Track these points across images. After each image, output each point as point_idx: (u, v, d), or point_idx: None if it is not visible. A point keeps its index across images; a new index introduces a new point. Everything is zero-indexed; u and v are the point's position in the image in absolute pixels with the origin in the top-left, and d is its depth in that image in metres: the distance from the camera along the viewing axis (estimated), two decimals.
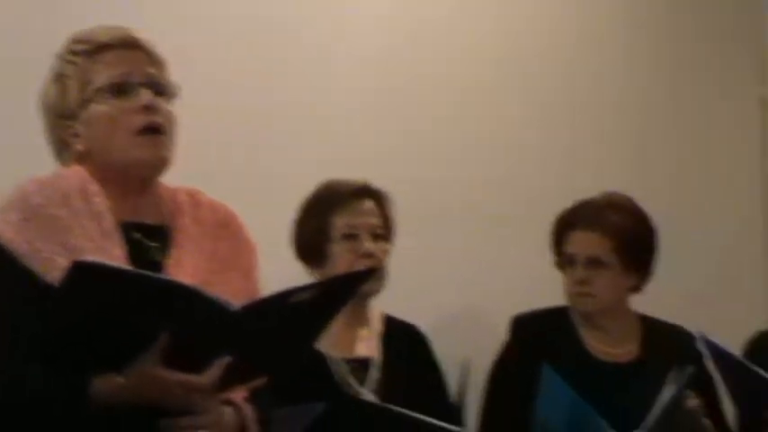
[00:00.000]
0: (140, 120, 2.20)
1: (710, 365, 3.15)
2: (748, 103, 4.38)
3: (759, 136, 4.36)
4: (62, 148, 2.26)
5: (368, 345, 3.08)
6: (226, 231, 2.38)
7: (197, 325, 2.02)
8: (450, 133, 3.84)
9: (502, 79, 3.94)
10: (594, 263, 3.14)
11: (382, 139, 3.71)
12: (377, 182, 3.16)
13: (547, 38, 4.05)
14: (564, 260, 3.23)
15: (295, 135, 3.58)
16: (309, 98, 3.61)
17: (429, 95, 3.80)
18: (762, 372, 2.91)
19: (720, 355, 3.01)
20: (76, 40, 2.27)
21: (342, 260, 3.02)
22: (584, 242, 3.18)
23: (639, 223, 3.23)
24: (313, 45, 3.62)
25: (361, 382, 3.00)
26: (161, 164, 2.26)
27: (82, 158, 2.22)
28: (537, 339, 3.19)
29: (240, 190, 2.86)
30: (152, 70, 2.26)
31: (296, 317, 2.15)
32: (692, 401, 3.06)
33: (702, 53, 4.30)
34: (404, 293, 3.35)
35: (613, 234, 3.16)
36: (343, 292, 2.29)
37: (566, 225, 3.25)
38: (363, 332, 3.10)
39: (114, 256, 2.16)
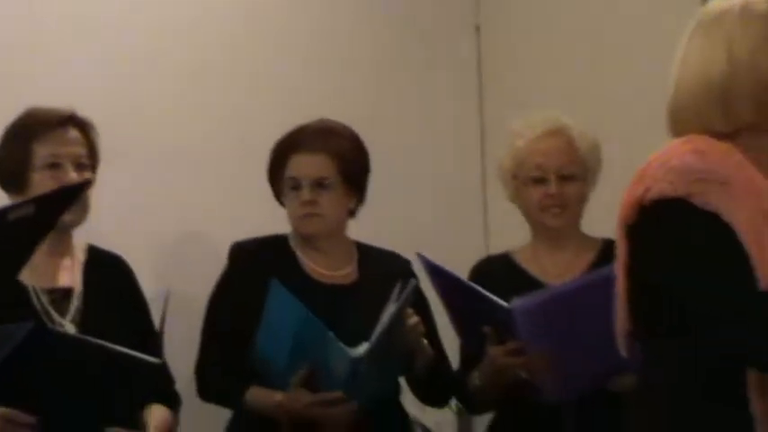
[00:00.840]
0: None
1: (424, 288, 3.27)
2: (464, 31, 4.47)
3: (475, 62, 4.48)
4: None
5: (70, 274, 3.06)
6: None
7: None
8: (164, 65, 3.83)
9: (216, 7, 3.94)
10: (320, 184, 3.20)
11: (93, 68, 3.67)
12: (86, 112, 3.11)
13: None
14: (288, 185, 3.28)
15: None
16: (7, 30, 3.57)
17: (131, 26, 3.78)
18: (479, 288, 3.07)
19: (439, 274, 3.14)
20: None
21: (43, 189, 2.95)
22: (309, 164, 3.23)
23: (357, 146, 3.32)
24: None
25: (63, 312, 2.99)
26: None
27: None
28: (256, 264, 3.23)
29: None
30: None
31: (9, 237, 2.12)
32: (413, 319, 3.16)
33: None
34: (119, 222, 3.39)
35: (336, 156, 3.24)
36: (55, 209, 2.28)
37: (287, 150, 3.29)
38: (66, 262, 3.08)
39: None
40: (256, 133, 3.59)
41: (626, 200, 2.33)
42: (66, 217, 2.81)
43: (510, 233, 3.46)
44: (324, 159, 3.24)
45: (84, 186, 2.84)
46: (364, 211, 3.38)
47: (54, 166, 2.98)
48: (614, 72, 3.97)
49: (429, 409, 3.59)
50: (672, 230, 2.28)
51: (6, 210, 2.11)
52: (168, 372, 3.16)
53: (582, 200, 3.28)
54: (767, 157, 2.34)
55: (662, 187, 2.26)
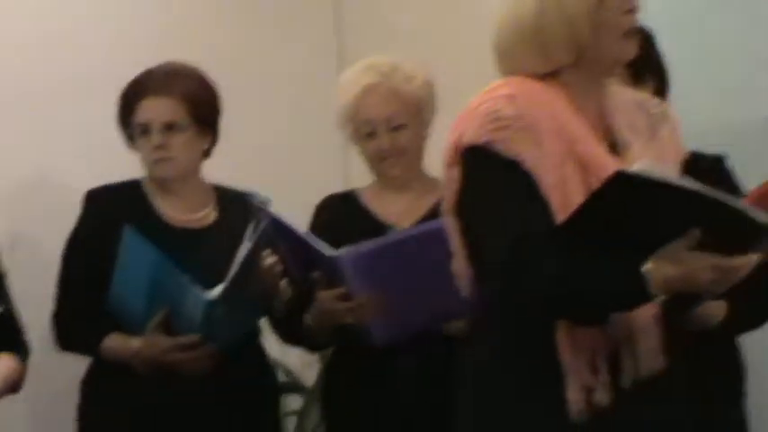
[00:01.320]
0: None
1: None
2: None
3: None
4: None
5: None
6: None
7: None
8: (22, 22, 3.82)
9: None
10: (170, 127, 3.24)
11: None
12: None
13: None
14: (137, 130, 3.29)
15: None
16: None
17: None
18: (305, 237, 3.11)
19: (271, 220, 3.18)
20: None
21: None
22: (158, 108, 3.25)
23: (206, 86, 3.37)
24: None
25: None
26: None
27: None
28: (110, 211, 3.26)
29: None
30: None
31: None
32: (269, 259, 3.20)
33: None
34: None
35: (185, 98, 3.27)
36: None
37: (135, 95, 3.30)
38: None
39: None
40: (112, 78, 3.57)
41: (448, 143, 2.35)
42: None
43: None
44: (172, 102, 3.27)
45: None
46: (221, 150, 3.39)
47: None
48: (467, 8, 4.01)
49: (292, 351, 3.66)
50: (475, 177, 2.30)
51: None
52: (16, 320, 3.17)
53: (418, 143, 3.31)
54: (593, 96, 2.38)
55: (470, 133, 2.28)
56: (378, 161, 3.28)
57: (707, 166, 2.97)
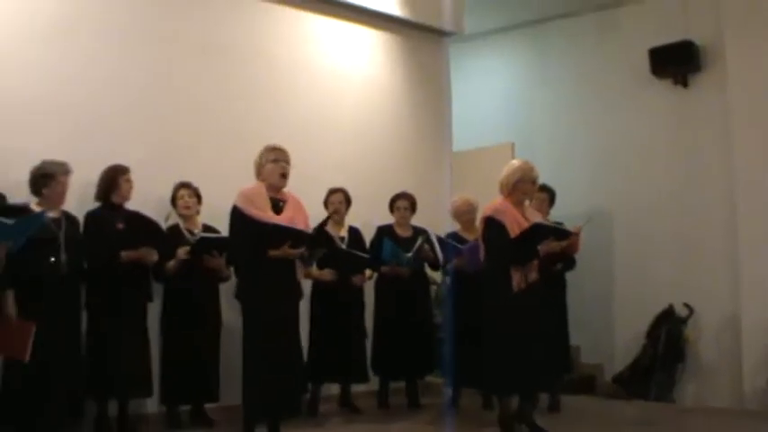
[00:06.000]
0: None
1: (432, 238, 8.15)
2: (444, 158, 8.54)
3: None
4: None
5: None
6: None
7: None
8: None
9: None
10: None
11: None
12: None
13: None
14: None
15: None
16: None
17: None
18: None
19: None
20: None
21: None
22: None
23: None
24: None
25: None
26: None
27: None
28: None
29: None
30: None
31: None
32: (426, 246, 7.95)
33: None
34: None
35: None
36: None
37: None
38: None
39: None
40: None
41: (483, 214, 7.31)
42: None
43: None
44: None
45: None
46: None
47: None
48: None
49: None
50: (490, 225, 7.24)
51: None
52: None
53: None
54: (520, 208, 7.32)
55: (487, 213, 7.25)
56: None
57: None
